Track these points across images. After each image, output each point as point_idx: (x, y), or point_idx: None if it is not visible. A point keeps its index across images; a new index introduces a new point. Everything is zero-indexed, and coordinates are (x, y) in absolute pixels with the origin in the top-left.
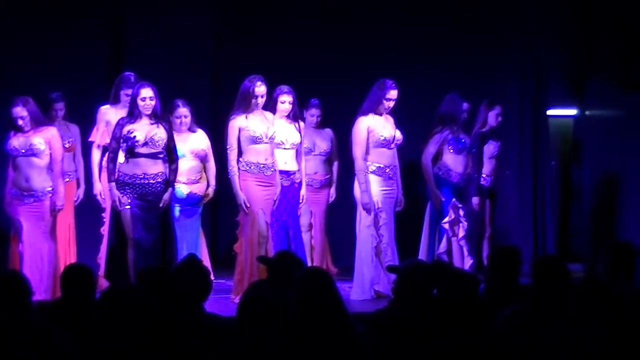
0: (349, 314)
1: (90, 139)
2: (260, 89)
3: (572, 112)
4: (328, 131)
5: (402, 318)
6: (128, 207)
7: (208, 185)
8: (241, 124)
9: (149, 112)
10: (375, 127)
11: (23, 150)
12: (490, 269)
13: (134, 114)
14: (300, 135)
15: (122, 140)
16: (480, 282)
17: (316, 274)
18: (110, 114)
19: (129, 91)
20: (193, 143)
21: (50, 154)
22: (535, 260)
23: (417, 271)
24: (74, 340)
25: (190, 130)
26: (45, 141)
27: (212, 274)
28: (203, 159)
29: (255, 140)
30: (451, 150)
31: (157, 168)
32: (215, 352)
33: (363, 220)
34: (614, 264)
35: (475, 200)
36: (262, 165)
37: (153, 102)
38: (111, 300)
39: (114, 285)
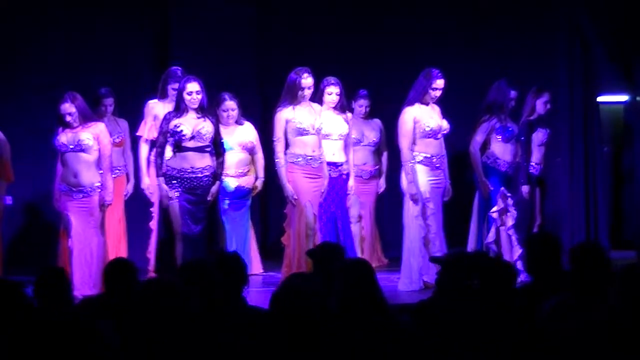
0: (390, 305)
1: (138, 134)
2: (307, 80)
3: (623, 98)
4: (377, 121)
5: (443, 309)
6: (176, 200)
7: (257, 178)
8: (288, 115)
9: (195, 106)
10: (422, 117)
11: (71, 146)
12: (528, 259)
13: (180, 108)
14: (348, 127)
15: (169, 135)
16: (517, 272)
17: (357, 265)
18: (158, 108)
19: (176, 85)
20: (240, 136)
21: (99, 150)
22: (572, 248)
23: (458, 262)
24: (116, 333)
25: (238, 122)
26: (93, 137)
27: (261, 266)
28: (251, 152)
29: (302, 132)
30: (499, 139)
31: (204, 162)
32: (249, 343)
33: (411, 210)
34: None
35: (524, 188)
36: (309, 157)
37: (199, 96)
38: (149, 292)
39: (151, 278)
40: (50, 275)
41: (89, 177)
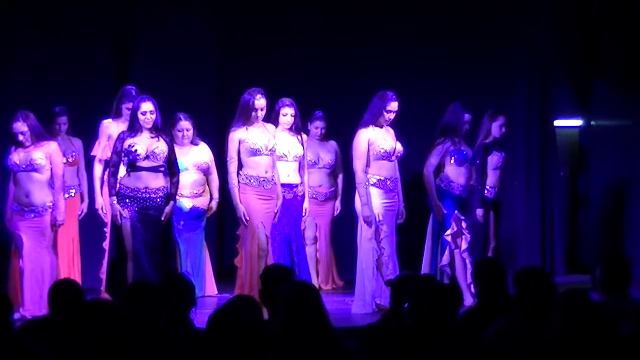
0: (341, 327)
1: (92, 153)
2: (260, 101)
3: (578, 122)
4: (332, 143)
5: (392, 331)
6: (129, 220)
7: (211, 199)
8: (241, 136)
9: (149, 126)
10: (376, 140)
11: (24, 166)
12: (476, 283)
13: (134, 127)
14: (303, 148)
15: (123, 154)
16: (460, 296)
17: (301, 287)
18: (112, 127)
19: (130, 105)
20: (195, 156)
21: (51, 169)
22: (516, 272)
23: (404, 285)
24: (59, 355)
25: (193, 143)
26: (45, 156)
27: (215, 287)
28: (206, 172)
29: (255, 152)
30: (453, 162)
31: (158, 182)
32: None
33: (364, 233)
34: (607, 276)
35: (479, 212)
36: (262, 179)
37: (154, 116)
38: (91, 313)
39: (92, 300)
40: None
41: (41, 196)
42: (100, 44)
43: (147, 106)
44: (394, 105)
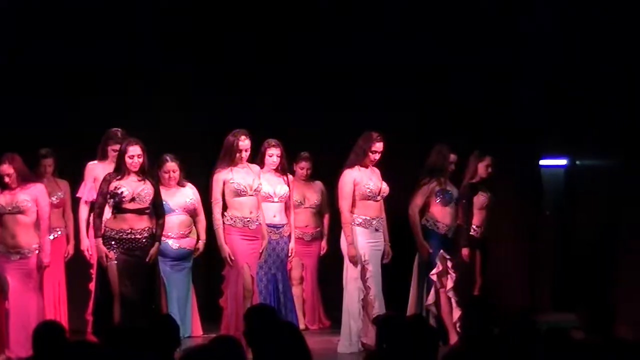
0: None
1: (78, 195)
2: (245, 143)
3: (563, 162)
4: (318, 184)
5: None
6: (115, 262)
7: (198, 240)
8: (225, 177)
9: (136, 169)
10: (362, 180)
11: (9, 208)
12: (463, 321)
13: (121, 169)
14: (289, 188)
15: (109, 196)
16: (434, 332)
17: (285, 329)
18: (98, 169)
19: (116, 147)
20: (182, 197)
21: (37, 211)
22: (500, 313)
23: (392, 324)
24: None
25: (179, 184)
26: (31, 198)
27: (201, 328)
28: (192, 213)
29: (239, 193)
30: (438, 202)
31: (143, 223)
32: None
33: (350, 272)
34: (591, 316)
35: (464, 251)
36: (246, 219)
37: (141, 160)
38: (74, 355)
39: (76, 341)
40: None
41: (27, 238)
42: (87, 86)
43: (134, 149)
44: (379, 146)
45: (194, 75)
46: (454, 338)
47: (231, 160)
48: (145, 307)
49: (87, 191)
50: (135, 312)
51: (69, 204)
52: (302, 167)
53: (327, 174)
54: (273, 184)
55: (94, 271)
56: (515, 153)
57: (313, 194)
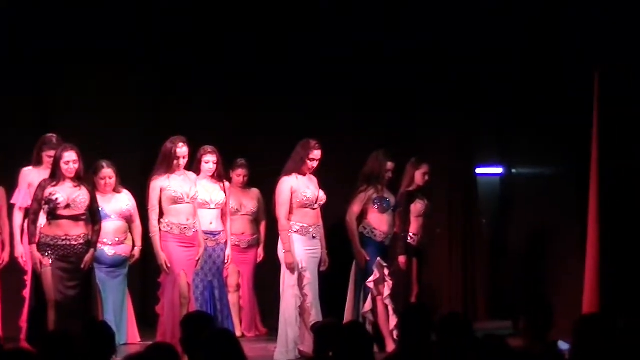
0: None
1: (12, 201)
2: (182, 150)
3: (499, 170)
4: (255, 191)
5: None
6: (49, 268)
7: (134, 246)
8: (162, 184)
9: (72, 175)
10: (299, 187)
11: None
12: (401, 328)
13: (56, 175)
14: (225, 195)
15: (44, 202)
16: (371, 339)
17: (221, 335)
18: (32, 175)
19: (51, 152)
20: (118, 204)
21: None
22: (439, 319)
23: (330, 332)
24: None
25: (115, 191)
26: None
27: (137, 335)
28: (128, 220)
29: (176, 200)
30: (376, 209)
31: (79, 229)
32: None
33: (287, 280)
34: (530, 323)
35: (401, 259)
36: (183, 226)
37: (77, 166)
38: None
39: (10, 350)
40: None
41: None
42: (21, 92)
43: (70, 155)
44: (317, 154)
45: (130, 79)
46: (390, 345)
47: (168, 167)
48: (80, 314)
49: (22, 197)
50: (70, 319)
51: (5, 211)
52: (239, 175)
53: (263, 182)
54: (209, 191)
55: (28, 278)
56: (451, 161)
57: (250, 201)
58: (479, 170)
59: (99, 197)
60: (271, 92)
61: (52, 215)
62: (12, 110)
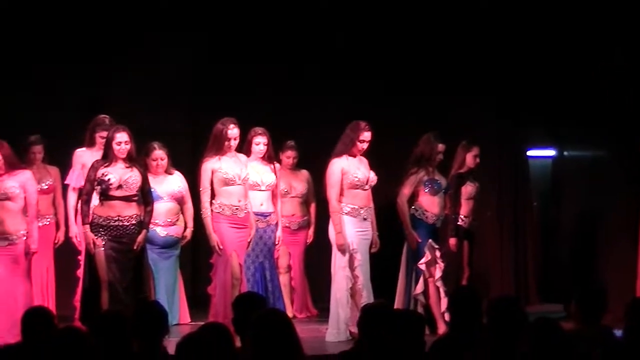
0: (315, 356)
1: (66, 182)
2: (233, 131)
3: (551, 152)
4: (304, 172)
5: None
6: (102, 249)
7: (186, 228)
8: (214, 165)
9: (124, 156)
10: (350, 169)
11: None
12: (451, 310)
13: (108, 156)
14: (276, 177)
15: (96, 183)
16: (422, 321)
17: (272, 315)
18: (85, 156)
19: (104, 134)
20: (170, 185)
21: (25, 198)
22: (489, 301)
23: (376, 313)
24: None
25: (167, 172)
26: (19, 185)
27: (189, 315)
28: (180, 201)
29: (228, 182)
30: (427, 191)
31: (131, 210)
32: None
33: (338, 261)
34: (582, 306)
35: (452, 241)
36: (235, 207)
37: (128, 147)
38: (61, 342)
39: (61, 328)
40: None
41: (15, 225)
42: (75, 74)
43: (122, 136)
44: (367, 135)
45: (181, 61)
46: (442, 327)
47: (219, 148)
48: (132, 295)
49: (76, 178)
50: (122, 299)
51: (59, 191)
52: (288, 156)
53: (312, 163)
54: (260, 173)
55: (81, 258)
56: (503, 144)
57: (299, 183)
58: (530, 153)
59: (150, 178)
60: (322, 73)
61: (105, 196)
62: (65, 92)
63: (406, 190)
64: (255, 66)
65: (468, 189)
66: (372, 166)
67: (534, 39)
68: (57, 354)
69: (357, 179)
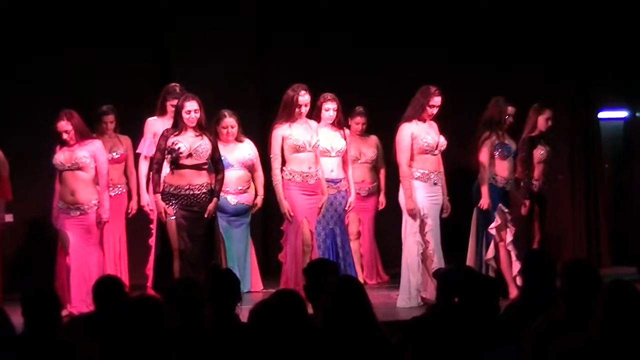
0: (387, 322)
1: (137, 151)
2: (304, 97)
3: (623, 114)
4: (373, 138)
5: (435, 325)
6: (173, 217)
7: (256, 195)
8: (284, 132)
9: (193, 125)
10: (419, 134)
11: (68, 165)
12: (523, 274)
13: (178, 125)
14: (346, 143)
15: (166, 152)
16: (495, 285)
17: (346, 282)
18: (157, 125)
19: (175, 102)
20: (240, 153)
21: (96, 167)
22: (564, 264)
23: (447, 278)
24: (104, 351)
25: (237, 140)
26: (90, 154)
27: (261, 283)
28: (251, 169)
29: (298, 148)
30: (497, 155)
31: (202, 179)
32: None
33: (409, 227)
34: None
35: (526, 203)
36: (305, 174)
37: (198, 115)
38: (134, 310)
39: (136, 296)
40: (38, 296)
41: (86, 194)
42: (144, 42)
43: (191, 105)
44: (437, 100)
45: (248, 29)
46: (514, 292)
47: (290, 115)
48: (204, 263)
49: (147, 147)
50: (194, 267)
51: (132, 160)
52: (357, 122)
53: (381, 129)
54: (330, 139)
55: (153, 227)
56: (574, 105)
57: (368, 149)
58: (602, 115)
59: (221, 146)
60: (391, 39)
61: (175, 165)
62: (136, 61)
63: (484, 156)
64: (323, 33)
65: (539, 152)
66: (442, 131)
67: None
68: (131, 321)
69: (426, 144)
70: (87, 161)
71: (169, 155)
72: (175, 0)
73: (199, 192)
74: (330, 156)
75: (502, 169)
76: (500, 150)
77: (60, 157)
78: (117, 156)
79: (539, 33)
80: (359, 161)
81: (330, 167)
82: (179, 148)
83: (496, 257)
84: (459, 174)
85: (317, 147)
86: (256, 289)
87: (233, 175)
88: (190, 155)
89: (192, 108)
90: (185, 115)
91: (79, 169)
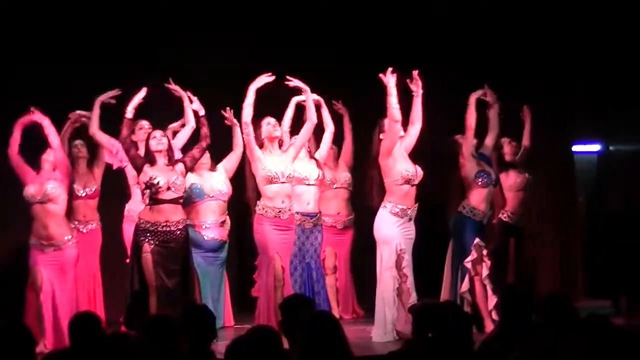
0: (362, 357)
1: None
2: (267, 128)
3: (596, 147)
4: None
5: (411, 359)
6: (149, 254)
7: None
8: (261, 156)
9: (161, 150)
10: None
11: (39, 197)
12: (500, 309)
13: (149, 157)
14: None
15: (145, 186)
16: (470, 319)
17: (321, 317)
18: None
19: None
20: (215, 182)
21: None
22: (539, 298)
23: (423, 312)
24: None
25: (211, 169)
26: (58, 184)
27: (232, 318)
28: (226, 198)
29: (271, 179)
30: (479, 184)
31: (178, 215)
32: None
33: (384, 261)
34: (631, 302)
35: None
36: (278, 210)
37: (165, 142)
38: (109, 346)
39: (112, 333)
40: (12, 330)
41: (59, 230)
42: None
43: (156, 132)
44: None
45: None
46: (489, 326)
47: (261, 146)
48: (180, 298)
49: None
50: (171, 302)
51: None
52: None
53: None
54: (307, 167)
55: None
56: (548, 139)
57: (341, 173)
58: (575, 148)
59: (195, 175)
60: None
61: (154, 201)
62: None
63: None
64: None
65: (517, 179)
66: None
67: (579, 33)
68: (109, 357)
69: (409, 173)
70: (57, 192)
71: (148, 190)
72: (173, 16)
73: (175, 229)
74: (308, 184)
75: (480, 199)
76: (482, 178)
77: (31, 189)
78: (90, 192)
79: (512, 66)
80: (334, 186)
81: (307, 199)
82: (157, 182)
83: (471, 291)
84: (434, 207)
85: (292, 177)
86: (229, 324)
87: (208, 208)
88: (169, 188)
89: (157, 135)
90: (152, 142)
91: (50, 200)
